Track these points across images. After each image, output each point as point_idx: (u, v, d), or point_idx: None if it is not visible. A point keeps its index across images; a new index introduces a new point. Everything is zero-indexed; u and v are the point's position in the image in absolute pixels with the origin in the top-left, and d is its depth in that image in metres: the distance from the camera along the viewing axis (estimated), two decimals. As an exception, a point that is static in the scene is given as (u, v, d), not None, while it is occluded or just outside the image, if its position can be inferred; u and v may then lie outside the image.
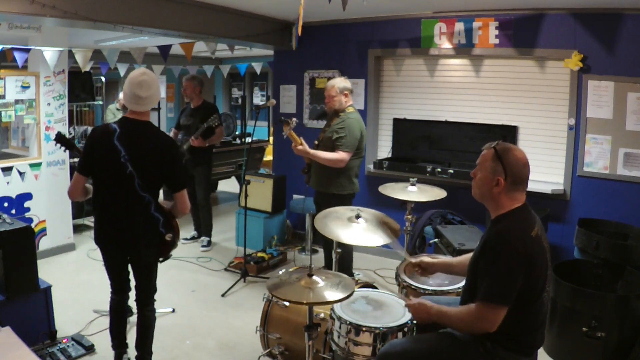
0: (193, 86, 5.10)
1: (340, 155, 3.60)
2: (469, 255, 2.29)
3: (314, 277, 2.13)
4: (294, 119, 3.61)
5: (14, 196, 4.60)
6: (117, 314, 2.88)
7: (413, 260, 2.50)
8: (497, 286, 1.81)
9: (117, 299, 2.86)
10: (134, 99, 2.52)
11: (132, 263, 2.77)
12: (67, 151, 3.51)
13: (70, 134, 6.03)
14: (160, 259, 2.81)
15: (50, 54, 4.56)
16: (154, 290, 2.85)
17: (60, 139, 3.08)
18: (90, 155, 2.58)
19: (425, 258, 2.49)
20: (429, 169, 4.60)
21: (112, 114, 7.08)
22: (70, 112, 6.30)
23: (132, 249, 2.66)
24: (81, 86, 6.62)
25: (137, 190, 2.53)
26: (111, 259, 2.76)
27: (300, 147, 3.62)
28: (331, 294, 2.05)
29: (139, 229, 2.60)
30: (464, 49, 4.54)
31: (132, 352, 2.92)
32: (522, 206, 1.94)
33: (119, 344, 2.90)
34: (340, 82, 3.72)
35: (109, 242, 2.69)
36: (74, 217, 5.23)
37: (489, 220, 2.03)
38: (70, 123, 6.14)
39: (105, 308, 3.63)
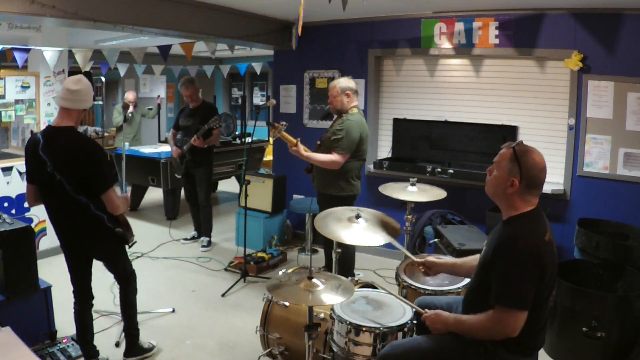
0: (195, 89, 5.11)
1: (334, 156, 3.54)
2: (474, 257, 2.28)
3: (314, 280, 2.13)
4: (283, 123, 3.49)
5: (14, 196, 4.60)
6: (82, 324, 2.88)
7: (417, 260, 2.49)
8: (514, 290, 1.79)
9: (80, 309, 2.86)
10: (65, 93, 2.58)
11: (95, 258, 2.86)
12: None
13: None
14: (128, 246, 2.91)
15: (50, 54, 4.56)
16: (128, 273, 2.98)
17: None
18: (27, 166, 2.68)
19: (430, 258, 2.48)
20: (429, 169, 4.60)
21: (118, 113, 7.27)
22: (70, 112, 6.31)
23: (85, 247, 2.76)
24: (81, 86, 6.65)
25: (71, 195, 2.58)
26: (71, 260, 2.81)
27: (294, 148, 3.54)
28: (331, 297, 2.05)
29: (84, 229, 2.68)
30: (464, 49, 4.54)
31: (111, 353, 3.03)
32: (535, 209, 1.92)
33: (88, 353, 2.92)
34: (342, 82, 3.66)
35: (64, 245, 2.77)
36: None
37: (489, 221, 2.03)
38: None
39: (105, 308, 3.67)
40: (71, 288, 2.85)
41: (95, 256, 2.85)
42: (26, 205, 4.67)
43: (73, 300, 2.86)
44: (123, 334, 3.10)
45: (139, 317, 3.25)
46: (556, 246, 1.96)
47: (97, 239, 2.73)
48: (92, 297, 2.91)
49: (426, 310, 2.17)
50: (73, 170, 2.56)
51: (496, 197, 1.99)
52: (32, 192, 2.71)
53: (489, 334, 1.88)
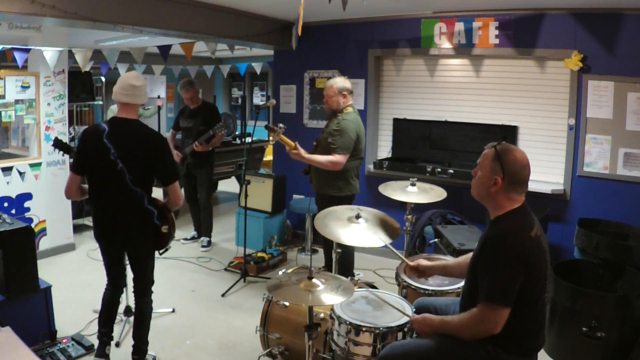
0: (195, 91, 5.11)
1: (336, 158, 3.53)
2: (467, 257, 2.29)
3: (314, 280, 2.13)
4: (281, 125, 3.45)
5: (14, 196, 4.60)
6: (109, 306, 2.91)
7: (411, 263, 2.49)
8: (497, 287, 1.81)
9: (111, 293, 2.91)
10: (127, 89, 2.65)
11: (128, 255, 2.86)
12: (66, 155, 3.59)
13: (70, 134, 6.02)
14: (160, 252, 2.89)
15: (50, 54, 4.56)
16: (151, 282, 2.93)
17: (58, 144, 3.26)
18: (82, 154, 2.69)
19: (423, 262, 2.48)
20: (429, 169, 4.60)
21: (113, 114, 7.03)
22: (70, 112, 6.30)
23: (128, 241, 2.76)
24: (81, 86, 6.62)
25: (128, 185, 2.61)
26: (108, 252, 2.84)
27: (294, 151, 3.51)
28: (331, 297, 2.05)
29: (133, 223, 2.69)
30: (464, 49, 4.54)
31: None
32: (521, 207, 1.93)
33: (105, 334, 2.92)
34: (338, 82, 3.64)
35: (106, 237, 2.77)
36: (74, 217, 5.24)
37: (489, 221, 2.03)
38: (70, 123, 6.13)
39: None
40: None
41: (131, 252, 2.83)
42: (27, 205, 4.68)
43: (106, 282, 2.90)
44: (123, 335, 3.09)
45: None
46: (547, 242, 1.97)
47: (141, 234, 2.73)
48: (125, 285, 2.93)
49: (415, 314, 2.17)
50: (141, 159, 2.60)
51: (482, 198, 2.00)
52: (77, 183, 2.73)
53: (473, 331, 1.89)
